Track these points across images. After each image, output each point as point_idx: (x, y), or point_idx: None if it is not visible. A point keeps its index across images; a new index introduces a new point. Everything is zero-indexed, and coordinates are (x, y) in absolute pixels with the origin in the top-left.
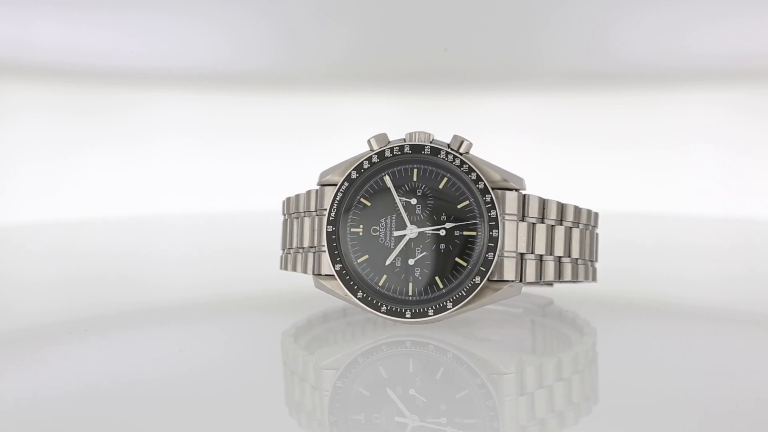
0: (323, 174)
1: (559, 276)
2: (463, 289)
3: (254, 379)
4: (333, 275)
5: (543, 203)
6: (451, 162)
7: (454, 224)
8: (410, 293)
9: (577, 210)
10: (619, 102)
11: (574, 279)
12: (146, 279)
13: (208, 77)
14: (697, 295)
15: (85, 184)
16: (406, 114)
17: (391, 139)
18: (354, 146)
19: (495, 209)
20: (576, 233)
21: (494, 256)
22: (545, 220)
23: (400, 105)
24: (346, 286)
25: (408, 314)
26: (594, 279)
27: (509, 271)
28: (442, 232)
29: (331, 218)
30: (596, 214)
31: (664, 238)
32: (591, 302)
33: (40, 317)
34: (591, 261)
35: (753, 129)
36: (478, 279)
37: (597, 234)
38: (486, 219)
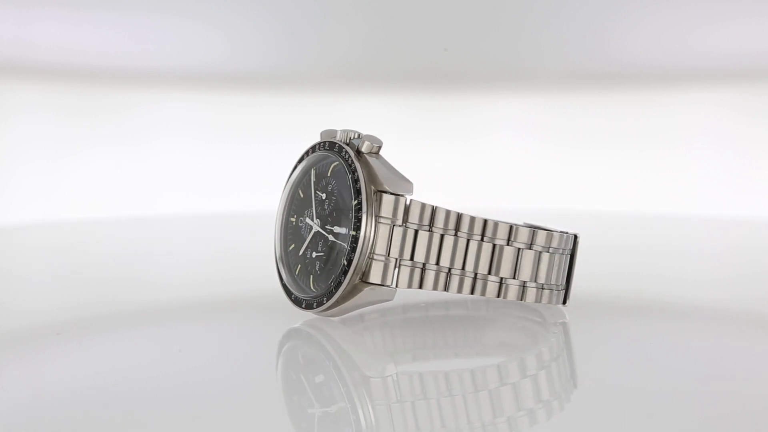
0: None
1: (435, 285)
2: (334, 287)
3: (253, 380)
4: None
5: (431, 210)
6: (346, 160)
7: (322, 229)
8: (311, 285)
9: (490, 223)
10: (619, 102)
11: (470, 293)
12: (146, 279)
13: (209, 77)
14: (697, 295)
15: (85, 184)
16: (406, 114)
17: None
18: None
19: (361, 210)
20: (485, 247)
21: (353, 256)
22: (432, 229)
23: (400, 105)
24: (278, 273)
25: (303, 305)
26: (529, 298)
27: (377, 275)
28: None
29: (283, 207)
30: (534, 232)
31: (663, 238)
32: (590, 302)
33: (40, 317)
34: (521, 280)
35: (753, 129)
36: (342, 278)
37: (543, 254)
38: (353, 220)
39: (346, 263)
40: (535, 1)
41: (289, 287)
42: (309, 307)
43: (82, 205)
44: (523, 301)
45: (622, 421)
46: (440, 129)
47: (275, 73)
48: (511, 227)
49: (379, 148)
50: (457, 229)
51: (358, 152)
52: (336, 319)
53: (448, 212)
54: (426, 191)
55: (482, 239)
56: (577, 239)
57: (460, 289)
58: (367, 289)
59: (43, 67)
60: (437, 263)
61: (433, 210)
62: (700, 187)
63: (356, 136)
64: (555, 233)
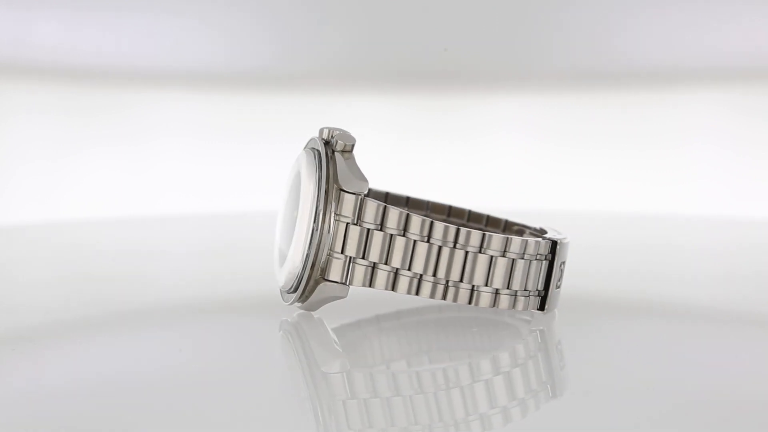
0: None
1: (386, 285)
2: (297, 283)
3: (252, 379)
4: None
5: (383, 210)
6: (320, 158)
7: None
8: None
9: (438, 226)
10: (619, 102)
11: (416, 294)
12: (146, 278)
13: (208, 77)
14: (697, 295)
15: (85, 184)
16: (406, 114)
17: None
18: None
19: (318, 208)
20: (433, 249)
21: (310, 253)
22: (384, 228)
23: (400, 105)
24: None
25: (284, 298)
26: (483, 303)
27: (335, 272)
28: None
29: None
30: (487, 236)
31: (663, 238)
32: (590, 302)
33: (40, 316)
34: (470, 284)
35: (753, 129)
36: (303, 273)
37: (498, 258)
38: (314, 217)
39: (305, 259)
40: (535, 1)
41: (280, 280)
42: (287, 300)
43: (83, 205)
44: (473, 305)
45: (619, 419)
46: (440, 129)
47: (275, 74)
48: (458, 230)
49: (352, 146)
50: (405, 229)
51: (334, 151)
52: (315, 314)
53: (399, 213)
54: (426, 191)
55: (428, 241)
56: (557, 245)
57: (408, 290)
58: (321, 285)
59: (43, 68)
60: (387, 263)
61: (385, 210)
62: (700, 187)
63: (330, 133)
64: (514, 238)
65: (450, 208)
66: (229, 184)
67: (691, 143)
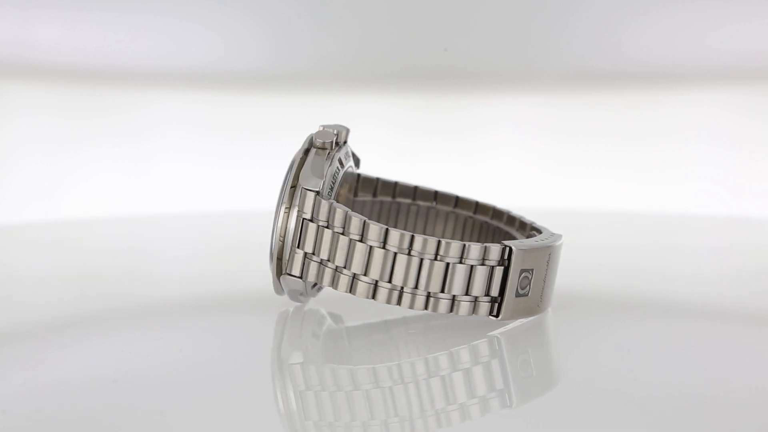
0: None
1: (331, 283)
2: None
3: (251, 378)
4: None
5: (329, 208)
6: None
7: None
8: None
9: (372, 228)
10: (619, 103)
11: (349, 292)
12: (146, 277)
13: (208, 78)
14: (697, 294)
15: (85, 184)
16: (407, 114)
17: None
18: (353, 146)
19: (284, 204)
20: (367, 248)
21: (275, 247)
22: (331, 227)
23: (400, 105)
24: None
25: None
26: (417, 306)
27: (294, 266)
28: None
29: None
30: (417, 239)
31: (663, 238)
32: (587, 301)
33: (41, 314)
34: (394, 284)
35: (753, 130)
36: (272, 266)
37: (435, 262)
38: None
39: (270, 253)
40: (535, 1)
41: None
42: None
43: (82, 204)
44: (405, 308)
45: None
46: (440, 129)
47: (274, 74)
48: (387, 231)
49: (332, 144)
50: (346, 228)
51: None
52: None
53: (344, 212)
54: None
55: (361, 240)
56: (513, 252)
57: (347, 289)
58: (281, 278)
59: (43, 68)
60: (332, 261)
61: (331, 208)
62: (700, 187)
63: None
64: (453, 242)
65: (477, 204)
66: (229, 184)
67: (691, 143)
